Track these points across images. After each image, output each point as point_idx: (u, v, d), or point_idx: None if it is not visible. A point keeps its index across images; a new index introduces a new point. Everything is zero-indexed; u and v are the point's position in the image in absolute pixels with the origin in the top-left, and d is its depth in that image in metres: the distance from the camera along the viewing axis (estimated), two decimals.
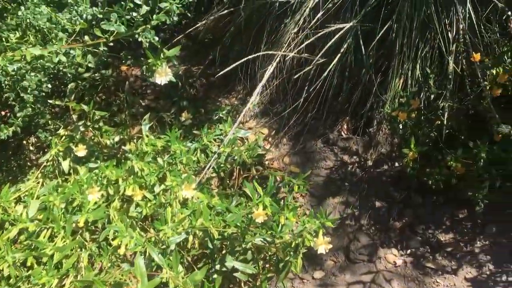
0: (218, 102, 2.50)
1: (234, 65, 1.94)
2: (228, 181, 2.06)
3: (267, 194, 1.66)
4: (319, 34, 1.94)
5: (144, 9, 1.59)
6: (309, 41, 1.98)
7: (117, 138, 2.16)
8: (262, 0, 2.19)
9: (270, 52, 1.97)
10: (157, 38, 1.64)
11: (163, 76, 1.73)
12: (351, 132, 2.26)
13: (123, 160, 2.03)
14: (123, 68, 2.58)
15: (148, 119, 2.15)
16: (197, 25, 2.73)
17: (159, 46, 1.75)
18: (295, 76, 2.11)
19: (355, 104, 2.22)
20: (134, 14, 1.60)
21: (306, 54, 2.17)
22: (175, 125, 2.22)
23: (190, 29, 2.55)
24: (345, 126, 2.26)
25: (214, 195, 1.91)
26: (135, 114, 2.33)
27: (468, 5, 1.82)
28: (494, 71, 1.73)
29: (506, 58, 1.68)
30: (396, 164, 2.06)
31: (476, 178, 1.71)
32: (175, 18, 1.60)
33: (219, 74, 1.93)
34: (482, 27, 1.87)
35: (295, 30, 2.11)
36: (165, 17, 1.62)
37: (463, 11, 1.82)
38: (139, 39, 1.63)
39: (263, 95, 2.49)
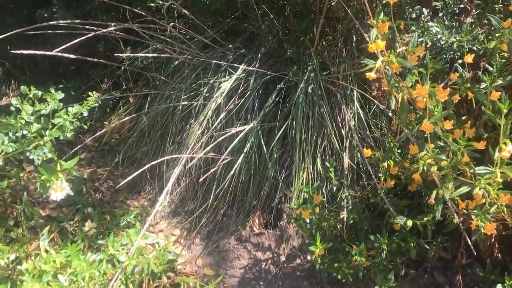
0: (127, 205, 2.42)
1: (139, 171, 1.90)
2: None
3: None
4: (222, 137, 1.99)
5: (35, 126, 1.54)
6: (213, 144, 2.01)
7: (12, 257, 1.98)
8: (165, 105, 2.22)
9: (175, 156, 1.97)
10: (50, 155, 1.57)
11: (58, 191, 1.64)
12: (263, 227, 2.27)
13: (18, 283, 1.85)
14: (25, 174, 2.44)
15: (47, 232, 2.01)
16: (104, 127, 2.70)
17: (55, 158, 1.69)
18: (204, 176, 2.11)
19: (264, 199, 2.25)
20: (25, 132, 1.55)
21: (212, 154, 2.20)
22: (78, 236, 2.10)
23: (98, 133, 2.51)
24: (256, 221, 2.27)
25: None
26: (34, 226, 2.18)
27: (356, 104, 1.98)
28: (385, 164, 1.85)
29: (394, 151, 1.81)
30: (308, 258, 2.07)
31: (381, 269, 1.75)
32: (69, 135, 1.55)
33: (125, 181, 1.87)
34: (371, 123, 2.03)
35: (199, 131, 2.15)
36: (58, 133, 1.57)
37: (351, 110, 1.97)
38: (31, 157, 1.56)
39: (173, 195, 2.45)
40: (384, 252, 1.71)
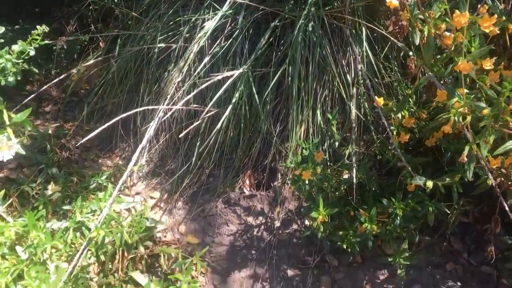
0: (98, 164, 2.12)
1: (108, 123, 1.58)
2: (110, 266, 1.68)
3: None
4: (205, 84, 1.67)
5: None
6: (195, 92, 1.69)
7: None
8: (137, 47, 1.88)
9: (151, 107, 1.66)
10: None
11: (5, 149, 1.34)
12: (255, 188, 2.00)
13: None
14: None
15: (2, 197, 1.71)
16: (71, 76, 2.36)
17: (3, 110, 1.37)
18: (186, 131, 1.81)
19: (255, 157, 1.97)
20: None
21: (195, 105, 1.89)
22: (39, 200, 1.81)
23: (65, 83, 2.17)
24: (247, 182, 2.00)
25: None
26: None
27: (365, 44, 1.67)
28: (399, 115, 1.57)
29: (413, 99, 1.52)
30: (307, 222, 1.82)
31: (394, 237, 1.51)
32: (11, 79, 1.23)
33: (91, 134, 1.55)
34: (381, 67, 1.73)
35: (179, 79, 1.82)
36: None
37: (360, 51, 1.66)
38: None
39: (152, 152, 2.16)
40: (398, 218, 1.46)
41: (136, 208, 1.87)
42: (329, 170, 1.63)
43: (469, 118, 1.21)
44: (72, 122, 2.28)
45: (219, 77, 1.64)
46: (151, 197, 2.00)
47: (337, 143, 1.80)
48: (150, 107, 1.65)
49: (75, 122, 2.26)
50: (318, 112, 1.83)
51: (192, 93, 1.60)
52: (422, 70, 1.42)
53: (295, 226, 1.83)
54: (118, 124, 2.20)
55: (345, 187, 1.63)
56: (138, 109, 1.61)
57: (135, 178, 2.08)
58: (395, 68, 1.72)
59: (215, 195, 1.95)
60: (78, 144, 2.17)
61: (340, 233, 1.53)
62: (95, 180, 1.91)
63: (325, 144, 1.80)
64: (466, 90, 1.24)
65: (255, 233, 1.83)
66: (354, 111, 1.62)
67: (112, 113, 2.21)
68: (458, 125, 1.23)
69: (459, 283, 1.59)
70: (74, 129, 2.23)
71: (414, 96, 1.56)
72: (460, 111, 1.21)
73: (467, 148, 1.22)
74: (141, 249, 1.69)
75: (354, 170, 1.52)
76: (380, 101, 1.52)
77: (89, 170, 2.03)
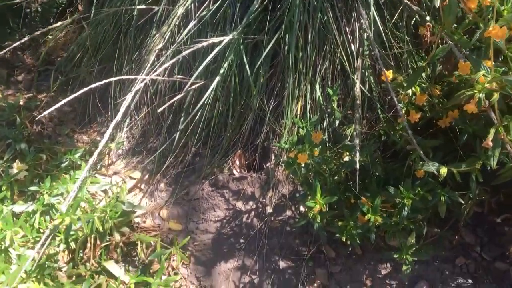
0: (73, 140, 1.92)
1: (80, 92, 1.38)
2: (81, 255, 1.51)
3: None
4: (188, 51, 1.45)
5: None
6: (175, 59, 1.48)
7: None
8: (113, 9, 1.66)
9: (127, 77, 1.45)
10: None
11: None
12: (245, 169, 1.82)
13: None
14: None
15: None
16: (47, 42, 2.14)
17: None
18: (168, 103, 1.61)
19: (246, 135, 1.78)
20: None
21: (179, 76, 1.69)
22: (4, 180, 1.62)
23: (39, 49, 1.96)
24: (237, 162, 1.81)
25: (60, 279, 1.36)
26: None
27: (373, 9, 1.46)
28: (409, 91, 1.38)
29: (427, 73, 1.33)
30: (301, 209, 1.64)
31: (400, 229, 1.34)
32: None
33: (62, 102, 1.34)
34: (390, 36, 1.52)
35: (161, 45, 1.61)
36: None
37: (366, 16, 1.45)
38: None
39: (133, 128, 1.96)
40: (405, 208, 1.28)
41: (113, 190, 1.69)
42: (328, 152, 1.44)
43: (496, 96, 1.02)
44: (46, 93, 2.07)
45: (205, 44, 1.43)
46: (131, 177, 1.81)
47: (337, 122, 1.60)
48: (126, 77, 1.44)
49: (49, 93, 2.05)
50: (317, 86, 1.63)
51: (171, 60, 1.39)
52: (438, 40, 1.22)
53: (288, 213, 1.65)
54: (96, 96, 2.00)
55: (345, 171, 1.45)
56: (113, 79, 1.41)
57: (114, 156, 1.89)
58: (406, 37, 1.51)
59: (201, 176, 1.76)
60: (41, 115, 1.97)
61: (339, 223, 1.36)
62: (68, 158, 1.72)
63: (324, 123, 1.61)
64: (491, 63, 1.05)
65: (244, 219, 1.66)
66: (358, 85, 1.42)
67: (89, 84, 2.00)
68: (483, 103, 1.04)
69: (470, 280, 1.43)
70: (48, 101, 2.02)
71: (427, 69, 1.36)
72: (486, 87, 1.02)
73: (492, 132, 1.03)
74: (116, 236, 1.52)
75: (358, 153, 1.32)
76: (389, 74, 1.32)
77: (62, 147, 1.83)
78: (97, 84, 1.37)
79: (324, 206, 1.27)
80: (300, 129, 1.46)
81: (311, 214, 1.31)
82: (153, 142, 1.92)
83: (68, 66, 2.09)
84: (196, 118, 1.66)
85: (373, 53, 1.54)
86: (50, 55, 2.20)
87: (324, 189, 1.36)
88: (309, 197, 1.30)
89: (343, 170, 1.44)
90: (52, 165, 1.72)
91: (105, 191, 1.72)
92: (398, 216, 1.29)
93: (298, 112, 1.66)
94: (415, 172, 1.37)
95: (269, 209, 1.66)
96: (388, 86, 1.28)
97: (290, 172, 1.39)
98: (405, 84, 1.37)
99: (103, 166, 1.82)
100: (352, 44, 1.53)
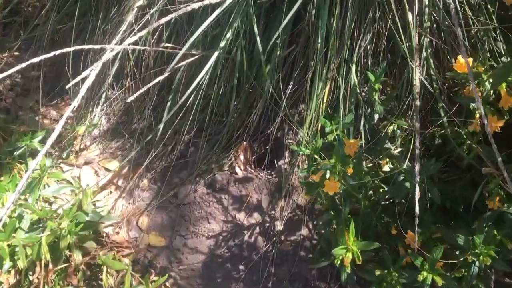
0: (38, 115, 1.53)
1: (40, 57, 0.96)
2: (30, 278, 1.15)
3: None
4: (181, 12, 1.02)
5: None
6: (163, 19, 1.05)
7: None
8: None
9: (90, 46, 1.02)
10: None
11: None
12: (252, 165, 1.42)
13: None
14: None
15: None
16: None
17: None
18: (155, 81, 1.19)
19: (255, 123, 1.37)
20: None
21: (169, 44, 1.26)
22: None
23: None
24: (241, 157, 1.41)
25: None
26: None
27: None
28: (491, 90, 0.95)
29: None
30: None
31: None
32: None
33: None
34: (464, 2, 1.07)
35: (144, 2, 1.18)
36: None
37: None
38: None
39: (113, 105, 1.56)
40: (476, 264, 0.88)
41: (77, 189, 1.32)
42: (365, 166, 1.03)
43: None
44: (9, 52, 1.66)
45: (203, 3, 0.99)
46: (106, 169, 1.43)
47: (376, 117, 1.18)
48: (88, 47, 1.02)
49: (13, 51, 1.64)
50: (353, 68, 1.20)
51: (155, 24, 0.96)
52: None
53: (304, 232, 1.27)
54: (71, 57, 1.59)
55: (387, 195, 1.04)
56: (70, 49, 0.99)
57: (87, 140, 1.50)
58: (489, 7, 1.05)
59: (194, 173, 1.38)
60: (14, 85, 1.58)
61: (377, 272, 0.97)
62: (24, 144, 1.33)
63: (361, 119, 1.19)
64: None
65: (246, 238, 1.28)
66: (418, 73, 0.98)
67: (61, 44, 1.59)
68: None
69: None
70: (10, 61, 1.62)
71: None
72: None
73: None
74: (77, 255, 1.16)
75: (417, 167, 0.89)
76: (468, 61, 0.88)
77: (22, 125, 1.45)
78: (64, 50, 0.94)
79: (359, 257, 0.88)
80: (327, 133, 1.04)
81: (337, 261, 0.92)
82: (138, 123, 1.53)
83: (41, 19, 1.67)
84: (190, 99, 1.26)
85: (434, 25, 1.10)
86: (18, 3, 1.77)
87: (357, 222, 0.97)
88: (337, 237, 0.91)
89: (386, 196, 1.03)
90: (4, 152, 1.34)
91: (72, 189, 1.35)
92: (464, 273, 0.90)
93: (325, 100, 1.24)
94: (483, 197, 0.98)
95: (279, 226, 1.28)
96: (469, 79, 0.84)
97: (310, 197, 0.99)
98: (487, 78, 0.94)
99: (72, 152, 1.44)
100: (409, 13, 1.08)
